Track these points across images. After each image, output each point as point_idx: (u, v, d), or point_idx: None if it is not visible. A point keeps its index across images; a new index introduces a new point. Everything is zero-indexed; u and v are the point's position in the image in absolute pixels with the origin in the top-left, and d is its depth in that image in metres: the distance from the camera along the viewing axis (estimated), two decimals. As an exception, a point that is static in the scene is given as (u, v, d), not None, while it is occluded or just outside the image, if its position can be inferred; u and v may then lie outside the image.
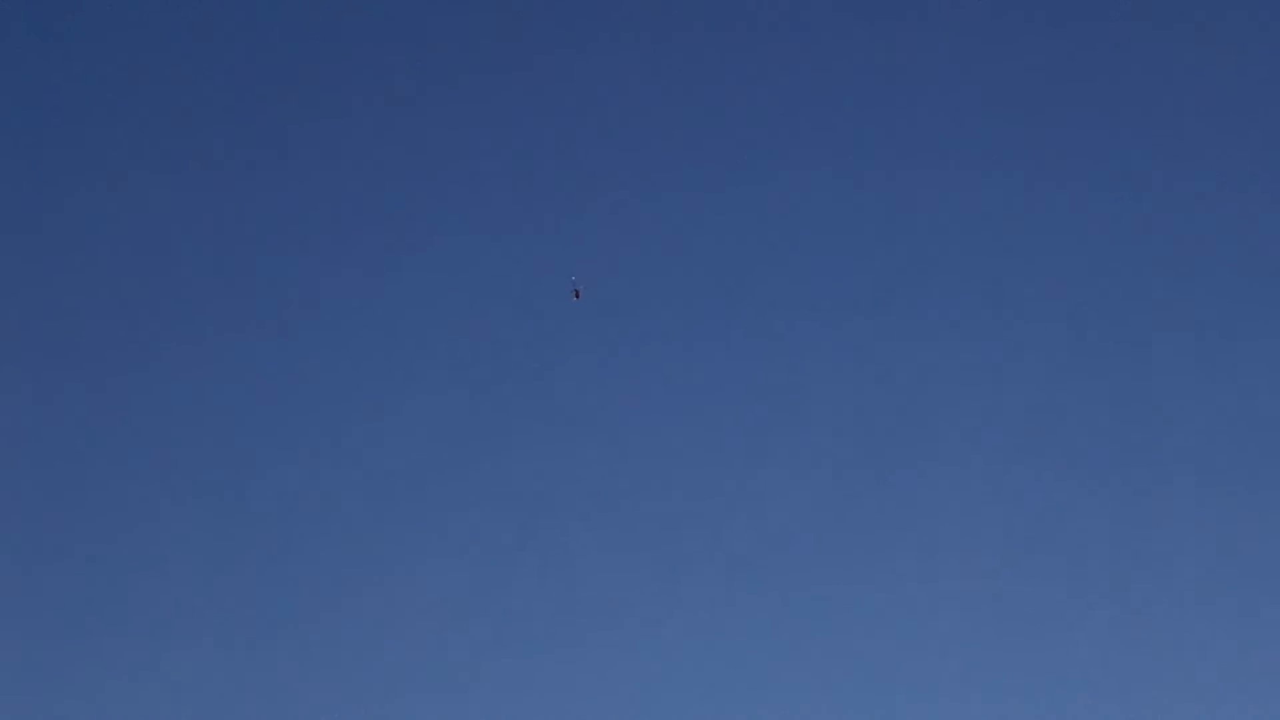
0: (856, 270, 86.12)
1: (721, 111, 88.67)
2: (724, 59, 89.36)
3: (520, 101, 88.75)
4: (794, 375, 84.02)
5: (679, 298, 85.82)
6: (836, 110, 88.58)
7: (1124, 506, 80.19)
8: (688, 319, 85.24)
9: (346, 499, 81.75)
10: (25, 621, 77.51)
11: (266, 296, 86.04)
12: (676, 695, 76.80)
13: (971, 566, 79.05)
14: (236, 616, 78.40)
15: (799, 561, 79.90)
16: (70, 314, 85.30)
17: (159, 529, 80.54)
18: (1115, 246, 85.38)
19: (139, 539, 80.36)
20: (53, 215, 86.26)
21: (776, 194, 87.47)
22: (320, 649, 78.23)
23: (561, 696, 76.85)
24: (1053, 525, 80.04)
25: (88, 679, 76.58)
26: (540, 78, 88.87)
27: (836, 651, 77.62)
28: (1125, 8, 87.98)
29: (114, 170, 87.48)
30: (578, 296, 76.87)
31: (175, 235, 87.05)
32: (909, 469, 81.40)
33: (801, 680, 77.05)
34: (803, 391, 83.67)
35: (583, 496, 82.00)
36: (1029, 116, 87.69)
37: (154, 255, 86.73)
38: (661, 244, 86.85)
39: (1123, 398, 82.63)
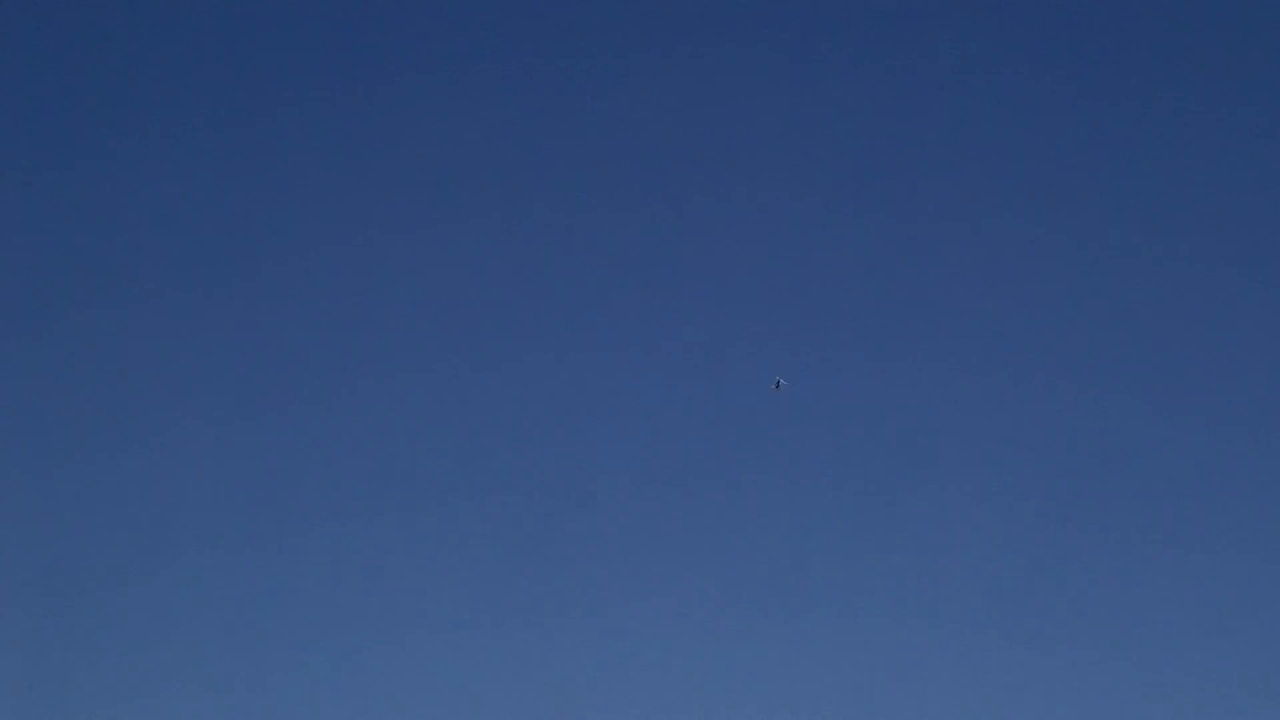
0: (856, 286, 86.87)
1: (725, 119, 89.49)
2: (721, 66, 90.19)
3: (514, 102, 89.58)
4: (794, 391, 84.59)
5: (676, 299, 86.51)
6: (843, 118, 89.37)
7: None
8: (685, 322, 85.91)
9: (344, 501, 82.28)
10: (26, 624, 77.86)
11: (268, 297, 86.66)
12: (674, 697, 77.29)
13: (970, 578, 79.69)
14: (235, 622, 78.79)
15: (798, 573, 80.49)
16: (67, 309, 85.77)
17: (160, 528, 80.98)
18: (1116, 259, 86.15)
19: (142, 538, 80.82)
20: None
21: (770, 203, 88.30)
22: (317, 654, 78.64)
23: (560, 697, 77.31)
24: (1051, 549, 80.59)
25: (91, 680, 76.96)
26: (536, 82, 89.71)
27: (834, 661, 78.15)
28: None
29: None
30: (778, 387, 77.06)
31: (171, 234, 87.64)
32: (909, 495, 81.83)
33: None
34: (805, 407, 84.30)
35: (582, 495, 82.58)
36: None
37: (149, 253, 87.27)
38: (664, 246, 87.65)
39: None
